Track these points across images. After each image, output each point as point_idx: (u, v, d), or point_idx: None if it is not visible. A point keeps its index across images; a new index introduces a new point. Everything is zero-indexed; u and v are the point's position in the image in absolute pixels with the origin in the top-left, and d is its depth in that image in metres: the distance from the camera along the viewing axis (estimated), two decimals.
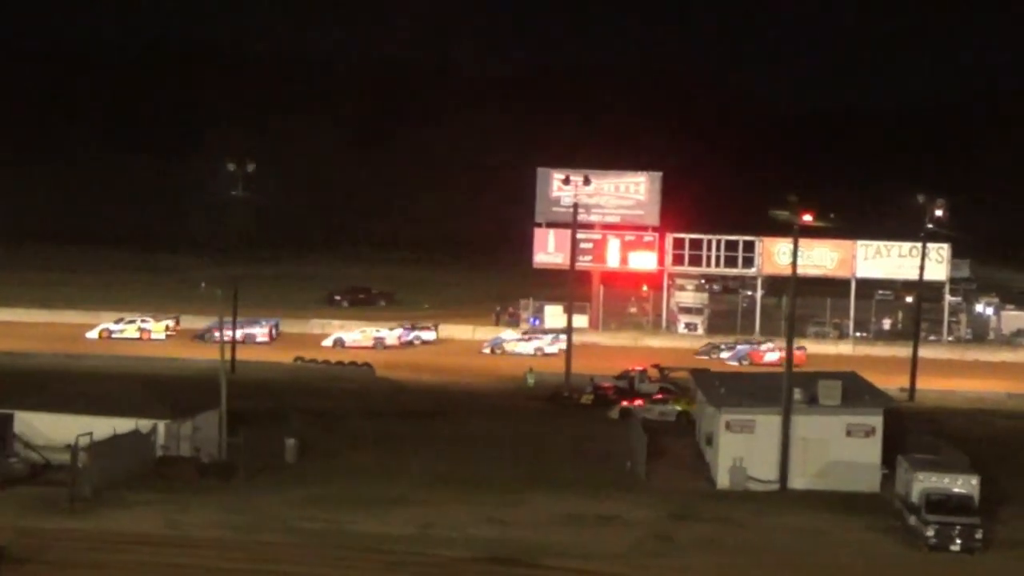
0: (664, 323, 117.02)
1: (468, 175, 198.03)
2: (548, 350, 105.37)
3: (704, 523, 57.49)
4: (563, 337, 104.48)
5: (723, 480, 63.79)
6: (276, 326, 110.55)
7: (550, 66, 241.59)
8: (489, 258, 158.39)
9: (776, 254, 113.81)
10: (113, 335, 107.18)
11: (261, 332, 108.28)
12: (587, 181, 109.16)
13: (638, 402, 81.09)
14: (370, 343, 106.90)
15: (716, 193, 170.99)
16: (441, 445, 71.00)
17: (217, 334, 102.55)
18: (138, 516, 55.91)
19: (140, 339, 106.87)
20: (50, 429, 63.08)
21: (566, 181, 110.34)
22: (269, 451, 65.42)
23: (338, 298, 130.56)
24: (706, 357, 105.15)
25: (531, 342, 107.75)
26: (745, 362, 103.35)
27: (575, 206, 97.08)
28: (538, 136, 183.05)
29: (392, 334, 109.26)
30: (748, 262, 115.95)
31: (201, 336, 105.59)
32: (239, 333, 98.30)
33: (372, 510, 57.80)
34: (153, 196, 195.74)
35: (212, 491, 59.98)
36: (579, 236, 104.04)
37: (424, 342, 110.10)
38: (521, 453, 69.54)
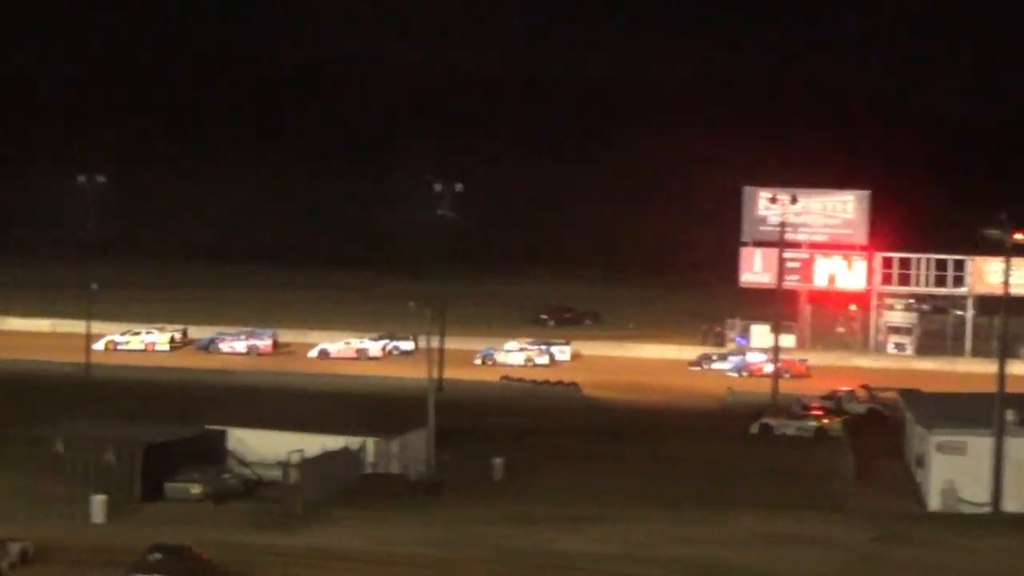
0: (873, 343, 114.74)
1: (668, 193, 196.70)
2: (538, 361, 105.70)
3: (914, 546, 56.15)
4: (556, 347, 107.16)
5: (934, 502, 62.34)
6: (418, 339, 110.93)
7: (752, 82, 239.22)
8: (692, 277, 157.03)
9: (987, 273, 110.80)
10: (119, 347, 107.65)
11: (374, 348, 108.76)
12: (794, 200, 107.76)
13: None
14: (353, 354, 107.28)
15: (921, 209, 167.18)
16: (643, 464, 70.66)
17: (222, 345, 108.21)
18: (347, 532, 56.56)
19: (144, 351, 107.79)
20: (262, 446, 64.23)
21: (773, 200, 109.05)
22: (476, 469, 65.65)
23: (544, 317, 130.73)
24: (699, 368, 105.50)
25: (522, 352, 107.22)
26: (744, 373, 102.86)
27: (782, 225, 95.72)
28: (739, 153, 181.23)
29: (376, 345, 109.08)
30: (958, 281, 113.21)
31: (205, 347, 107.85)
32: (243, 345, 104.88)
33: (575, 528, 57.66)
34: (349, 214, 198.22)
35: (420, 508, 60.43)
36: (786, 255, 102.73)
37: (403, 352, 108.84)
38: (722, 472, 68.79)
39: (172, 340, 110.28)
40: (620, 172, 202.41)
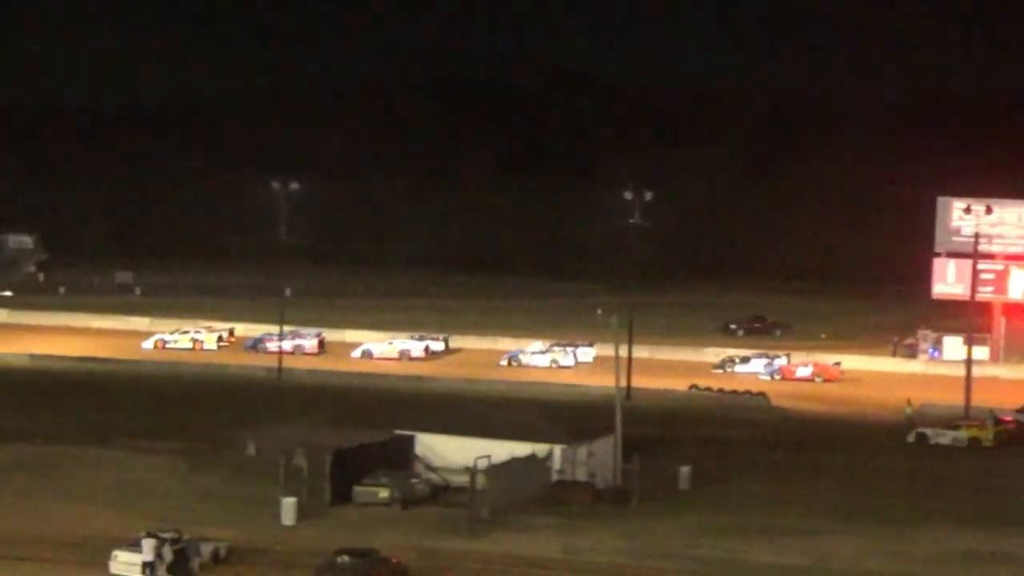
0: None
1: (857, 204, 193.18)
2: (563, 362, 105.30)
3: None
4: (580, 350, 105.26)
5: None
6: (446, 340, 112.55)
7: (937, 93, 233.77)
8: (881, 288, 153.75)
9: None
10: (167, 345, 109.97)
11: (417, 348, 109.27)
12: (989, 210, 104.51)
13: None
14: (395, 355, 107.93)
15: None
16: (835, 476, 68.64)
17: (269, 345, 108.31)
18: (534, 539, 55.75)
19: (192, 349, 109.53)
20: (450, 451, 63.76)
21: (967, 210, 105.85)
22: (663, 478, 64.42)
23: (733, 327, 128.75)
24: (721, 371, 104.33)
25: (546, 355, 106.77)
26: (777, 376, 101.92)
27: (976, 236, 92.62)
28: (933, 165, 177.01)
29: (418, 345, 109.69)
30: None
31: (253, 346, 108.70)
32: (289, 345, 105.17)
33: (765, 540, 56.07)
34: (544, 224, 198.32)
35: (606, 516, 59.40)
36: (980, 266, 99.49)
37: (433, 353, 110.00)
38: (916, 486, 66.57)
39: (219, 339, 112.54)
40: (816, 187, 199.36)
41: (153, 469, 65.83)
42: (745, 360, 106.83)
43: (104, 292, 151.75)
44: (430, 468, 64.02)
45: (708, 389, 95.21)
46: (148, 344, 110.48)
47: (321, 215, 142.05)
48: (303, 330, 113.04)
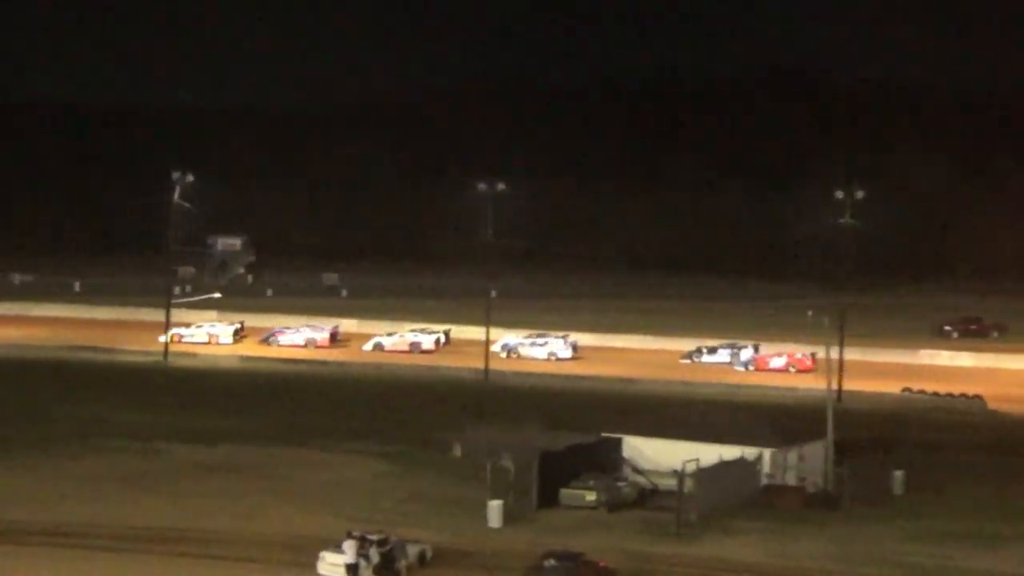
0: None
1: None
2: (561, 354, 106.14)
3: None
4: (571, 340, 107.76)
5: None
6: (447, 335, 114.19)
7: None
8: None
9: None
10: (184, 339, 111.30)
11: (428, 341, 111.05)
12: None
13: None
14: (406, 347, 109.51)
15: None
16: None
17: (281, 337, 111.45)
18: (743, 544, 55.46)
19: (208, 343, 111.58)
20: (657, 454, 63.72)
21: None
22: (875, 482, 63.47)
23: (947, 328, 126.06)
24: (688, 361, 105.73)
25: (545, 347, 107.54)
26: (751, 368, 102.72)
27: None
28: None
29: (429, 338, 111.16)
30: None
31: (265, 340, 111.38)
32: (301, 338, 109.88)
33: (983, 547, 54.91)
34: (757, 224, 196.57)
35: (817, 522, 58.81)
36: None
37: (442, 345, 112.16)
38: None
39: (236, 332, 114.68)
40: None
41: (362, 470, 67.01)
42: (712, 351, 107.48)
43: (311, 294, 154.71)
44: (637, 471, 64.03)
45: (922, 392, 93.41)
46: (165, 338, 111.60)
47: (529, 216, 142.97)
48: (315, 323, 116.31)
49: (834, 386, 77.51)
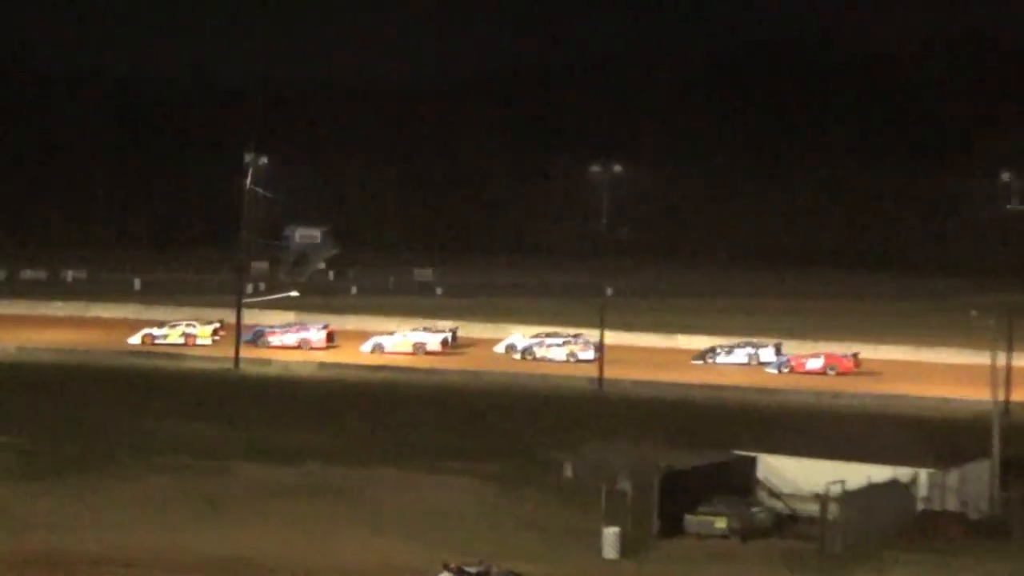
0: None
1: None
2: (582, 356, 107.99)
3: None
4: (592, 341, 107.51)
5: None
6: (453, 333, 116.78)
7: None
8: None
9: None
10: (156, 340, 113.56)
11: (433, 341, 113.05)
12: None
13: None
14: (410, 348, 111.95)
15: None
16: None
17: (272, 339, 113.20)
18: None
19: (185, 344, 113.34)
20: (797, 475, 63.55)
21: None
22: None
23: None
24: (701, 362, 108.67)
25: (564, 347, 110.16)
26: (785, 370, 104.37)
27: None
28: None
29: (435, 338, 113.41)
30: None
31: (253, 340, 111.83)
32: (294, 338, 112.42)
33: None
34: (913, 213, 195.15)
35: (981, 553, 58.36)
36: None
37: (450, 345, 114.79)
38: None
39: (215, 332, 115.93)
40: None
41: (459, 493, 67.34)
42: (729, 350, 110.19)
43: (401, 292, 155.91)
44: (774, 494, 63.93)
45: None
46: (136, 339, 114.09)
47: (646, 204, 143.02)
48: (308, 321, 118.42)
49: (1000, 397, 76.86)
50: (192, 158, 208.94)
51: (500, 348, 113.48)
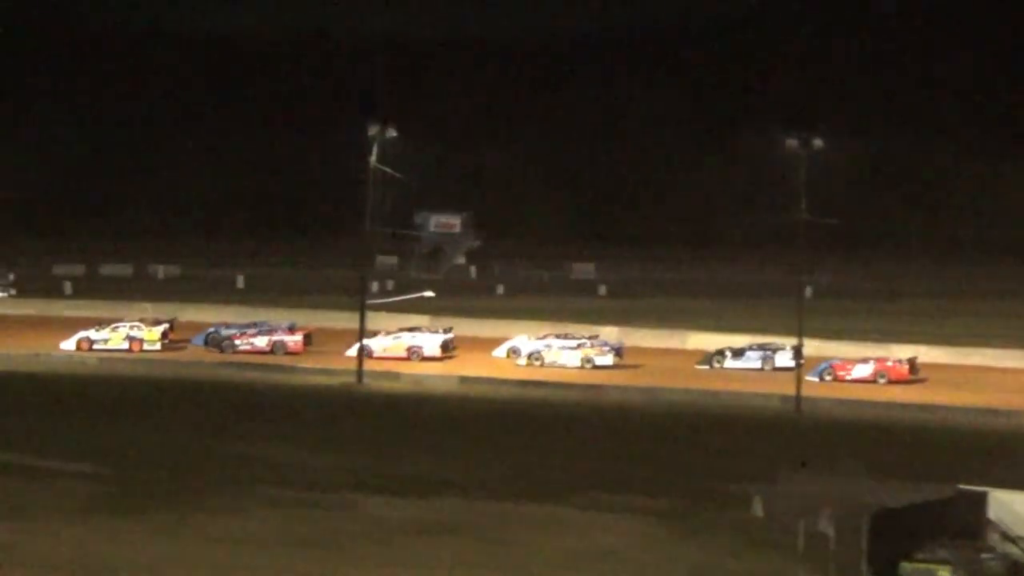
0: None
1: None
2: (600, 361, 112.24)
3: None
4: (609, 344, 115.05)
5: None
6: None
7: None
8: None
9: None
10: (94, 346, 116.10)
11: (431, 344, 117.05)
12: None
13: None
14: (403, 353, 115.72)
15: None
16: None
17: (239, 342, 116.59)
18: None
19: (130, 350, 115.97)
20: None
21: None
22: None
23: None
24: (707, 368, 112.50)
25: (578, 350, 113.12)
26: (828, 377, 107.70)
27: None
28: None
29: (433, 340, 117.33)
30: None
31: (216, 344, 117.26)
32: (264, 341, 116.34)
33: None
34: None
35: None
36: None
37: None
38: None
39: (164, 335, 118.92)
40: None
41: (624, 535, 67.18)
42: (739, 353, 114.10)
43: (557, 290, 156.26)
44: (1009, 538, 63.25)
45: None
46: (69, 344, 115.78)
47: (854, 185, 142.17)
48: (274, 323, 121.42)
49: None
50: (304, 133, 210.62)
51: (501, 352, 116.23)
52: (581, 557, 63.81)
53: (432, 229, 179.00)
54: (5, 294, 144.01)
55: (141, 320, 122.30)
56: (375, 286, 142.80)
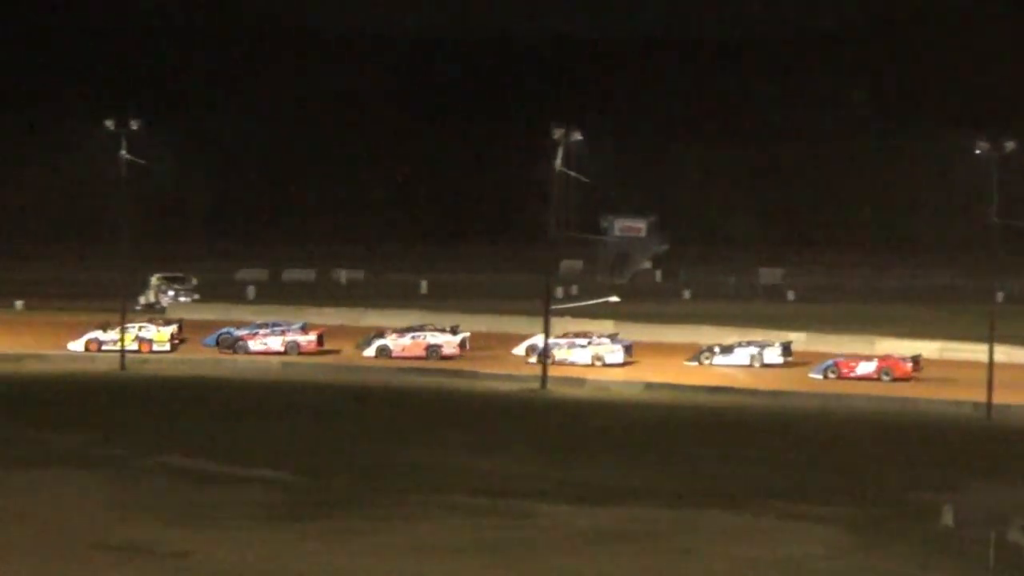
0: None
1: None
2: (610, 359, 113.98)
3: None
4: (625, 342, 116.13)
5: None
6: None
7: None
8: None
9: None
10: (103, 347, 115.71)
11: (450, 343, 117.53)
12: None
13: None
14: (421, 352, 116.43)
15: None
16: None
17: (252, 343, 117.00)
18: None
19: (140, 351, 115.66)
20: None
21: None
22: None
23: None
24: (695, 364, 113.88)
25: (587, 349, 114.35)
26: (832, 375, 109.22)
27: None
28: None
29: (454, 339, 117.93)
30: None
31: (230, 345, 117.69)
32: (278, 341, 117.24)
33: None
34: None
35: None
36: None
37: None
38: None
39: (173, 336, 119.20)
40: None
41: (808, 543, 66.92)
42: (728, 349, 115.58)
43: (744, 296, 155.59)
44: None
45: None
46: (78, 345, 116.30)
47: None
48: (285, 323, 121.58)
49: None
50: (486, 135, 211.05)
51: (520, 350, 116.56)
52: (765, 566, 63.82)
53: (618, 233, 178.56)
54: (188, 299, 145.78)
55: (151, 323, 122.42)
56: (560, 291, 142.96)
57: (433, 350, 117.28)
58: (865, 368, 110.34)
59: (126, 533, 65.08)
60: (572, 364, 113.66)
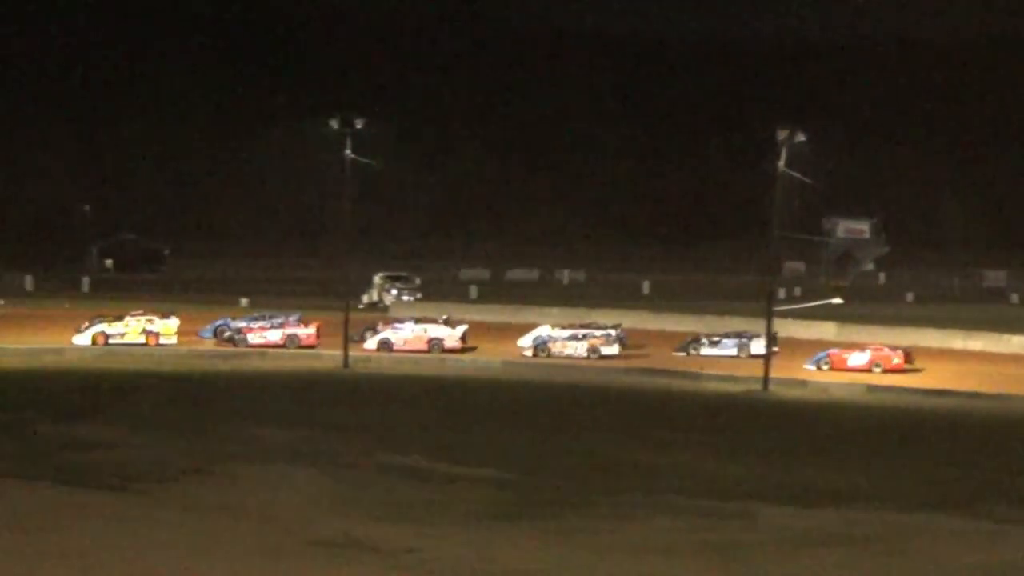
0: None
1: None
2: (606, 351, 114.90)
3: None
4: (614, 332, 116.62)
5: None
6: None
7: None
8: None
9: None
10: (110, 340, 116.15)
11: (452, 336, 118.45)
12: None
13: None
14: (424, 346, 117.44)
15: None
16: None
17: (251, 335, 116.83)
18: None
19: (146, 344, 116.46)
20: None
21: None
22: None
23: None
24: (683, 355, 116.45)
25: (583, 340, 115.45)
26: (825, 367, 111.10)
27: None
28: None
29: (455, 333, 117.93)
30: None
31: (228, 338, 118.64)
32: (278, 334, 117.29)
33: None
34: None
35: None
36: None
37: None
38: None
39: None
40: None
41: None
42: (715, 341, 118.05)
43: (966, 298, 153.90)
44: None
45: None
46: (84, 339, 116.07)
47: None
48: (282, 314, 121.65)
49: None
50: (712, 137, 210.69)
51: (526, 341, 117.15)
52: (986, 572, 63.09)
53: (841, 235, 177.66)
54: (411, 298, 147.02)
55: (155, 314, 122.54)
56: (782, 292, 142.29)
57: (435, 343, 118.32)
58: (857, 360, 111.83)
59: (346, 529, 65.62)
60: (569, 357, 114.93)
